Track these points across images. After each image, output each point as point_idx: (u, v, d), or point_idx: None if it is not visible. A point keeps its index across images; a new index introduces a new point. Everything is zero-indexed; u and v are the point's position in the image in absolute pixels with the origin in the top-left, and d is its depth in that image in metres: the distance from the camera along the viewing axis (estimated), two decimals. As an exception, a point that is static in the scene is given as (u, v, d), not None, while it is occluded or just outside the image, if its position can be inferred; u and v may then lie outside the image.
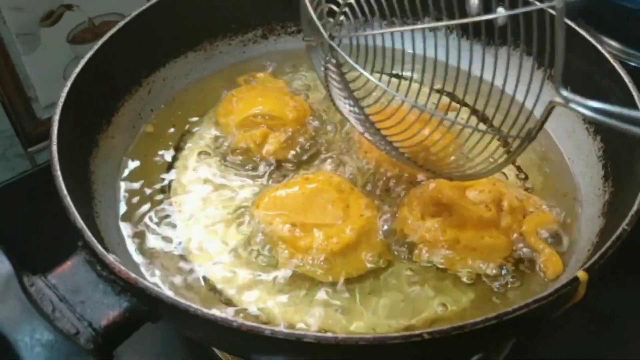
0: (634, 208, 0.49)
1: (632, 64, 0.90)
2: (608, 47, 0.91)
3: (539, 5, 0.42)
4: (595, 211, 0.61)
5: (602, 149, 0.64)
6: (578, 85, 0.69)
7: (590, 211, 0.61)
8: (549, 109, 0.44)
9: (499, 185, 0.61)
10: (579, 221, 0.62)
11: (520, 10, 0.44)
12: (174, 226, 0.61)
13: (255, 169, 0.67)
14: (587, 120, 0.67)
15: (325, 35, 0.54)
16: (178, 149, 0.70)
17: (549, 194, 0.65)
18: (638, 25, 0.89)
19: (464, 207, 0.58)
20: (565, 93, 0.43)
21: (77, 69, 0.61)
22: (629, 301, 0.74)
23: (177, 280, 0.57)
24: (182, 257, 0.59)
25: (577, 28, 0.67)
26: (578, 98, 0.43)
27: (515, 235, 0.58)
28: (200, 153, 0.69)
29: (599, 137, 0.65)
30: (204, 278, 0.57)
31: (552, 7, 0.41)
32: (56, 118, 0.56)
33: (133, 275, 0.44)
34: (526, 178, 0.66)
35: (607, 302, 0.72)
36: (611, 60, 0.63)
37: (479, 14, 0.74)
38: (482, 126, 0.61)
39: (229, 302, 0.55)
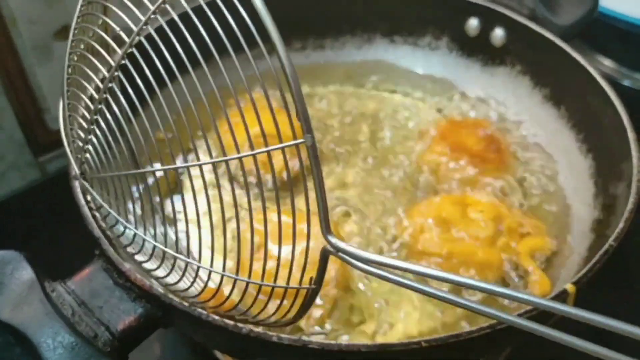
0: (621, 225, 0.52)
1: (626, 83, 0.93)
2: (603, 67, 0.94)
3: (289, 143, 0.36)
4: (586, 226, 0.63)
5: (593, 167, 0.67)
6: (572, 106, 0.72)
7: (582, 226, 0.64)
8: (325, 257, 0.39)
9: (501, 206, 0.63)
10: (570, 236, 0.64)
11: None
12: (180, 237, 0.63)
13: (260, 186, 0.68)
14: (579, 139, 0.70)
15: (77, 171, 0.47)
16: (185, 161, 0.71)
17: (542, 210, 0.67)
18: (631, 45, 0.91)
19: (463, 224, 0.60)
20: (332, 240, 0.38)
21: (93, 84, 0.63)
22: (629, 302, 0.76)
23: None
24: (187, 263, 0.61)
25: (570, 51, 0.70)
26: (349, 247, 0.38)
27: (509, 255, 0.60)
28: (206, 168, 0.71)
29: (591, 155, 0.68)
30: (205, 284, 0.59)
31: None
32: (74, 131, 0.58)
33: (148, 283, 0.47)
34: (522, 194, 0.69)
35: (607, 303, 0.74)
36: (601, 82, 0.65)
37: (477, 35, 0.78)
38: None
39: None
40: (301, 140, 0.35)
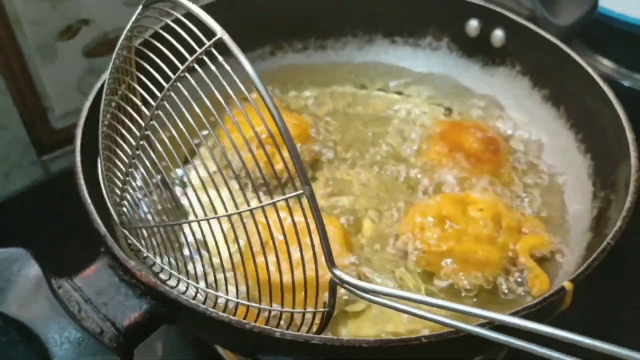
0: (618, 224, 0.53)
1: (626, 83, 0.94)
2: (602, 67, 0.95)
3: (291, 195, 0.42)
4: (584, 225, 0.64)
5: (592, 167, 0.67)
6: (571, 107, 0.73)
7: (580, 225, 0.64)
8: (333, 287, 0.46)
9: (500, 205, 0.63)
10: (569, 235, 0.65)
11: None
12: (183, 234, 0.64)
13: (263, 186, 0.69)
14: (577, 139, 0.71)
15: (117, 220, 0.52)
16: (187, 162, 0.72)
17: (541, 209, 0.68)
18: (630, 46, 0.92)
19: (463, 222, 0.61)
20: (337, 272, 0.44)
21: (98, 84, 0.64)
22: (628, 301, 0.77)
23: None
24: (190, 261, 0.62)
25: (569, 52, 0.70)
26: (351, 279, 0.44)
27: (508, 253, 0.60)
28: (208, 167, 0.71)
29: (589, 155, 0.69)
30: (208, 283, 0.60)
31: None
32: (79, 130, 0.59)
33: (153, 279, 0.47)
34: (520, 193, 0.69)
35: (606, 302, 0.75)
36: (600, 83, 0.66)
37: (477, 36, 0.79)
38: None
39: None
40: (301, 191, 0.41)
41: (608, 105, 0.64)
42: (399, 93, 0.83)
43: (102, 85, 0.63)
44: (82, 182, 0.55)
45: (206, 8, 0.76)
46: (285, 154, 0.41)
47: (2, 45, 0.77)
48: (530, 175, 0.71)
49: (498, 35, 0.78)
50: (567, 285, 0.48)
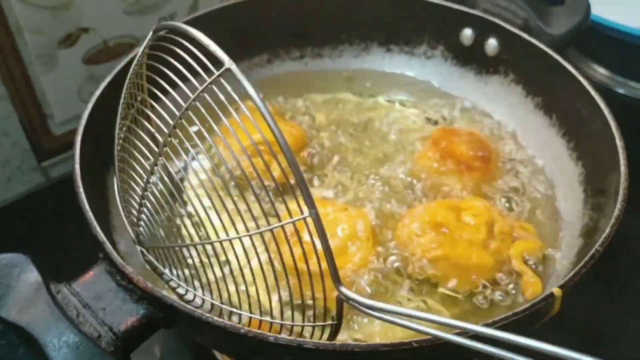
0: (607, 231, 0.53)
1: (620, 91, 0.94)
2: (597, 74, 0.96)
3: (298, 218, 0.43)
4: (575, 232, 0.64)
5: (583, 174, 0.68)
6: (563, 115, 0.74)
7: (571, 232, 0.65)
8: (340, 303, 0.47)
9: (493, 211, 0.64)
10: (561, 241, 0.66)
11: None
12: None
13: (259, 195, 0.70)
14: (569, 147, 0.72)
15: (134, 237, 0.54)
16: (184, 170, 0.73)
17: (533, 215, 0.69)
18: (624, 53, 0.93)
19: (457, 228, 0.62)
20: (343, 290, 0.46)
21: (98, 92, 0.64)
22: (624, 302, 0.78)
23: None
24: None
25: (561, 61, 0.71)
26: (356, 296, 0.45)
27: (501, 257, 0.61)
28: (204, 177, 0.72)
29: (581, 162, 0.69)
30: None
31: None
32: (78, 138, 0.60)
33: (150, 285, 0.48)
34: (513, 200, 0.70)
35: (602, 303, 0.76)
36: (591, 91, 0.67)
37: (471, 45, 0.80)
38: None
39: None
40: (307, 214, 0.43)
41: (598, 113, 0.65)
42: (394, 101, 0.84)
43: (102, 93, 0.65)
44: (81, 189, 0.55)
45: (208, 14, 0.78)
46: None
47: (3, 53, 0.77)
48: (522, 182, 0.72)
49: (492, 44, 0.79)
50: (556, 291, 0.49)
